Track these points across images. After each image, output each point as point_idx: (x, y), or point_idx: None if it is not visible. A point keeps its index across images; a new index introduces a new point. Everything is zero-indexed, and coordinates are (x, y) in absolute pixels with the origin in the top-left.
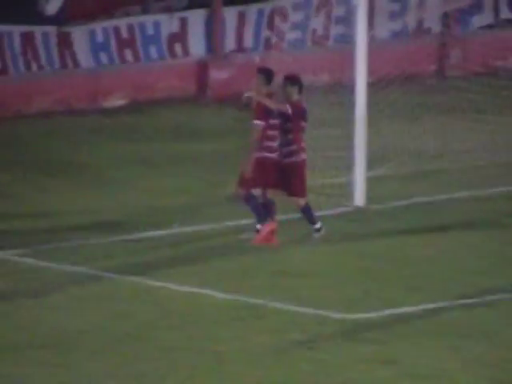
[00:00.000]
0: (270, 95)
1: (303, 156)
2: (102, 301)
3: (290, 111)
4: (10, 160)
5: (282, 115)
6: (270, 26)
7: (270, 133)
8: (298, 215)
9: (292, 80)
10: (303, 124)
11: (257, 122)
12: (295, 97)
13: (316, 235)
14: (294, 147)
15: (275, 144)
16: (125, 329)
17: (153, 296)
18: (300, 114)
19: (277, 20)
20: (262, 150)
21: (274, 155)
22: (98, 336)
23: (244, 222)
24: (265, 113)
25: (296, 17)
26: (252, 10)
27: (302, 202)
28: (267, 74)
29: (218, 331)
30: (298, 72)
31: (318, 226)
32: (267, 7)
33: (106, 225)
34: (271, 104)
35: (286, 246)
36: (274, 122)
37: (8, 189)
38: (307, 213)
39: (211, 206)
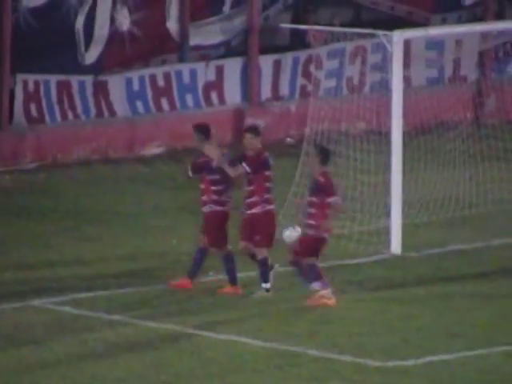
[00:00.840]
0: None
1: (267, 207)
2: (140, 349)
3: (247, 169)
4: (49, 209)
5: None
6: (306, 73)
7: (214, 188)
8: (337, 263)
9: (254, 131)
10: (266, 174)
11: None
12: (258, 147)
13: (258, 294)
14: (254, 199)
15: (222, 197)
16: (163, 377)
17: (191, 344)
18: (261, 165)
19: (312, 68)
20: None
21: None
22: None
23: (280, 269)
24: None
25: (331, 64)
26: (287, 58)
27: (260, 254)
28: (203, 130)
29: (256, 379)
30: (331, 119)
31: (268, 285)
32: (302, 55)
33: (145, 272)
34: (231, 171)
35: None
36: (215, 177)
37: (48, 238)
38: (263, 267)
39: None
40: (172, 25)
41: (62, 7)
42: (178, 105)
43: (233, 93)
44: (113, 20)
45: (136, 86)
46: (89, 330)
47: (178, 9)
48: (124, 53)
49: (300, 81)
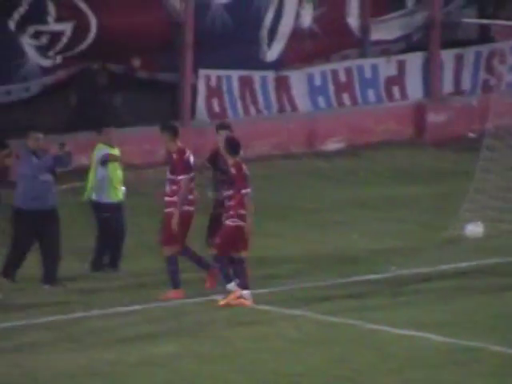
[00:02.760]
0: (182, 151)
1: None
2: (320, 344)
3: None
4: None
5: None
6: (488, 68)
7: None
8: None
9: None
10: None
11: (182, 176)
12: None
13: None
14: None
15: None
16: (343, 372)
17: (371, 339)
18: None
19: (495, 62)
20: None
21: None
22: (317, 380)
23: (463, 264)
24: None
25: None
26: (470, 53)
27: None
28: (173, 131)
29: (436, 375)
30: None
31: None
32: (485, 50)
33: (326, 267)
34: None
35: (503, 288)
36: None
37: None
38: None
39: (430, 249)
40: (352, 20)
41: (253, 2)
42: (359, 100)
43: (414, 87)
44: (297, 16)
45: (318, 81)
46: (270, 325)
47: (358, 5)
48: (304, 49)
49: (482, 75)
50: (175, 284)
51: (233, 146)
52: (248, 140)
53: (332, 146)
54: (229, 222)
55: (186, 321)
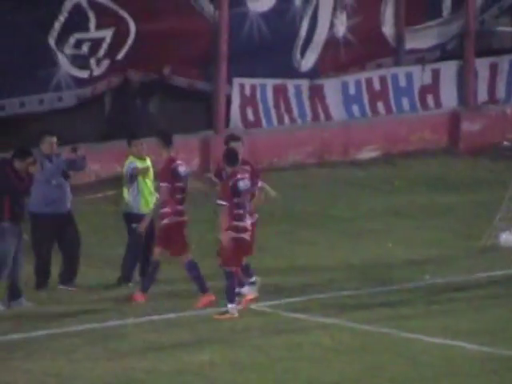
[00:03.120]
0: (171, 160)
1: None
2: (354, 353)
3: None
4: (265, 212)
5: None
6: None
7: (178, 196)
8: None
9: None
10: (177, 185)
11: (162, 184)
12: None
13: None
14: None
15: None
16: (378, 381)
17: (405, 348)
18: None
19: None
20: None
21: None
22: None
23: (497, 273)
24: (169, 176)
25: None
26: (504, 61)
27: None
28: (165, 138)
29: None
30: None
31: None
32: None
33: (360, 276)
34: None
35: None
36: (180, 185)
37: (265, 241)
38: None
39: (464, 257)
40: (387, 29)
41: (289, 12)
42: (393, 108)
43: (449, 96)
44: (332, 26)
45: (352, 90)
46: (304, 333)
47: (393, 14)
48: (339, 58)
49: None
50: (203, 289)
51: (230, 157)
52: (283, 149)
53: (367, 154)
54: (223, 237)
55: (221, 329)
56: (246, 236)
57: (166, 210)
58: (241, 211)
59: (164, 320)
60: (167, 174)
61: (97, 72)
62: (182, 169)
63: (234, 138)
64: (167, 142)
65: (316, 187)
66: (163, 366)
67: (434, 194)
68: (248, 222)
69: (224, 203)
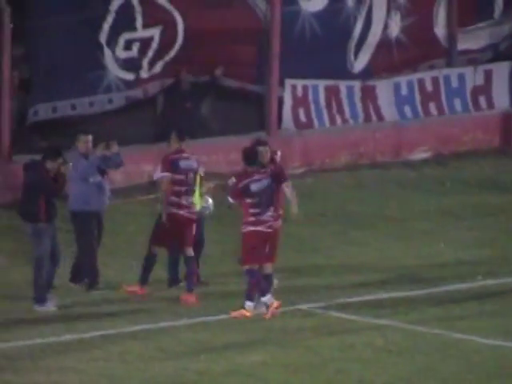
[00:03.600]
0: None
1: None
2: (407, 354)
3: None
4: (317, 213)
5: None
6: None
7: (176, 188)
8: None
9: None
10: (176, 177)
11: (163, 174)
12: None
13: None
14: None
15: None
16: (430, 382)
17: (458, 349)
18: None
19: None
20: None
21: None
22: None
23: None
24: (170, 167)
25: None
26: None
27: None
28: (179, 132)
29: None
30: None
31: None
32: None
33: (412, 277)
34: None
35: None
36: (180, 177)
37: (317, 242)
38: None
39: None
40: (440, 30)
41: (343, 12)
42: (446, 109)
43: (501, 97)
44: (386, 27)
45: (404, 91)
46: (356, 334)
47: (446, 15)
48: (391, 59)
49: None
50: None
51: (248, 156)
52: (335, 149)
53: (419, 155)
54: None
55: (273, 330)
56: (264, 228)
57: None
58: (257, 210)
59: (216, 321)
60: (163, 164)
61: (147, 73)
62: (185, 162)
63: (260, 142)
64: (181, 136)
65: (368, 188)
66: (215, 366)
67: (486, 195)
68: (268, 215)
69: (232, 201)
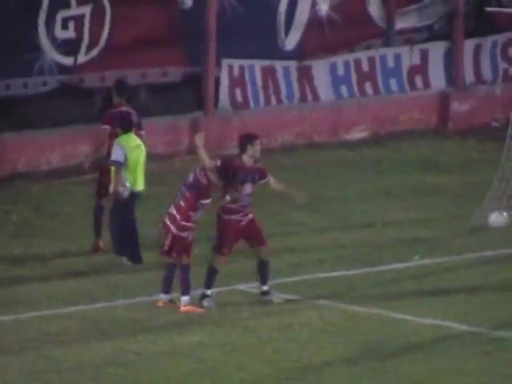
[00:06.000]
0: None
1: None
2: (346, 334)
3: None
4: (255, 193)
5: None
6: (505, 57)
7: None
8: None
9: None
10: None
11: (104, 126)
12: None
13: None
14: None
15: None
16: (368, 362)
17: (396, 329)
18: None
19: (511, 51)
20: None
21: None
22: (342, 369)
23: (487, 253)
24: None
25: None
26: (487, 42)
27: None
28: (119, 87)
29: (462, 364)
30: None
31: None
32: (501, 38)
33: (350, 257)
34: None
35: None
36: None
37: None
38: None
39: (454, 238)
40: (374, 10)
41: None
42: (382, 89)
43: (437, 77)
44: (313, 4)
45: (341, 71)
46: (294, 314)
47: None
48: (325, 38)
49: (502, 64)
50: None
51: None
52: (271, 130)
53: (356, 135)
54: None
55: (211, 310)
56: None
57: None
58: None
59: (153, 301)
60: (106, 118)
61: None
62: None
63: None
64: (120, 91)
65: (305, 168)
66: (153, 347)
67: (424, 175)
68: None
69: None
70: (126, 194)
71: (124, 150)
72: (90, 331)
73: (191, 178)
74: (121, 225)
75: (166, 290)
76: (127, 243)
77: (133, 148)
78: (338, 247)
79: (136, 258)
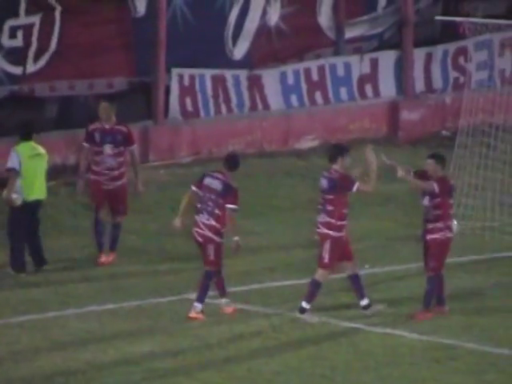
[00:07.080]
0: None
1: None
2: (295, 342)
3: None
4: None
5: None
6: (456, 66)
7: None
8: (494, 256)
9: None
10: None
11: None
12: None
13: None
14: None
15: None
16: (319, 371)
17: (347, 337)
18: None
19: (461, 60)
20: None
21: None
22: (292, 378)
23: None
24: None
25: (479, 57)
26: (438, 51)
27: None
28: None
29: (412, 373)
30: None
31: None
32: (451, 47)
33: (300, 266)
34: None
35: (481, 286)
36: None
37: None
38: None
39: (403, 246)
40: (323, 20)
41: None
42: (332, 98)
43: (387, 85)
44: (264, 14)
45: (290, 80)
46: (245, 323)
47: (331, 4)
48: (273, 47)
49: (452, 73)
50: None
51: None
52: (222, 139)
53: (306, 144)
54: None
55: (162, 319)
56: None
57: None
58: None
59: (104, 310)
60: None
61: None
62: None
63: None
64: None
65: (256, 177)
66: (104, 356)
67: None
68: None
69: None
70: (18, 201)
71: (20, 157)
72: (40, 341)
73: (219, 186)
74: (10, 232)
75: (222, 293)
76: (13, 251)
77: (30, 156)
78: (287, 256)
79: (19, 266)
